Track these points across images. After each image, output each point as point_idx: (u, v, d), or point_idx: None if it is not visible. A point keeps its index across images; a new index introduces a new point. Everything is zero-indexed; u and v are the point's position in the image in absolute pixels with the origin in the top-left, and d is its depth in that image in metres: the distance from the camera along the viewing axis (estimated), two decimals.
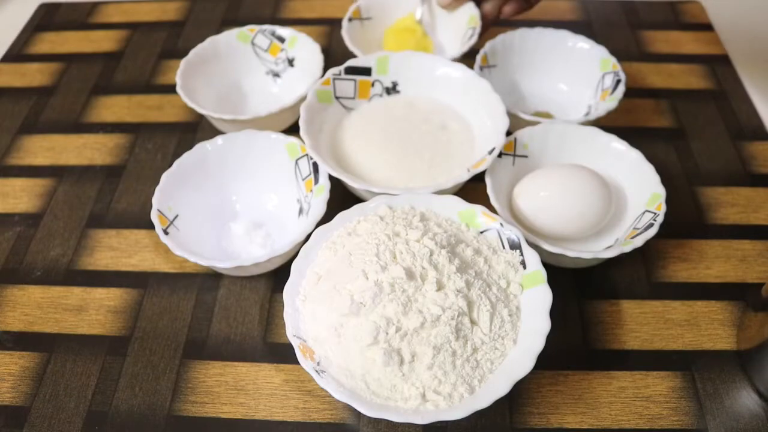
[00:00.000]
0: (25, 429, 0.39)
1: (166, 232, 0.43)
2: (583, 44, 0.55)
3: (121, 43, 0.66)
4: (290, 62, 0.57)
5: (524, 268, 0.39)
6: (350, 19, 0.58)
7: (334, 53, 0.63)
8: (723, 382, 0.40)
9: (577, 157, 0.47)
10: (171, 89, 0.55)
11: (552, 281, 0.38)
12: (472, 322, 0.36)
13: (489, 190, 0.44)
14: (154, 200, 0.44)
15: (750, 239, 0.47)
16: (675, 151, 0.53)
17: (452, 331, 0.35)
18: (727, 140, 0.54)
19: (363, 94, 0.52)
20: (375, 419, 0.38)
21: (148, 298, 0.45)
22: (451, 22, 0.59)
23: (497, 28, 0.58)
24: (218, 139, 0.48)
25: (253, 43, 0.57)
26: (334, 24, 0.65)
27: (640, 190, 0.45)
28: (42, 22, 0.69)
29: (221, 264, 0.41)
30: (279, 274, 0.45)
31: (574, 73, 0.56)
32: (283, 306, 0.38)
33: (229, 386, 0.40)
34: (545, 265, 0.39)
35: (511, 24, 0.60)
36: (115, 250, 0.48)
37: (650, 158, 0.46)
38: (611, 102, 0.50)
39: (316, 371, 0.35)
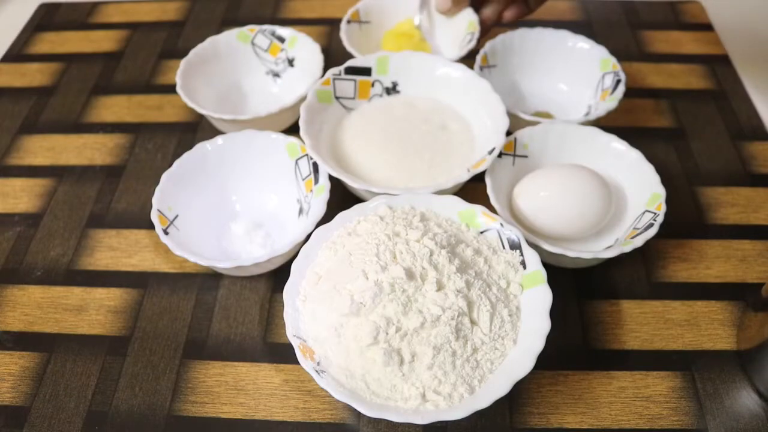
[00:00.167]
0: (25, 429, 0.39)
1: (166, 232, 0.43)
2: (583, 44, 0.55)
3: (121, 43, 0.66)
4: (290, 62, 0.57)
5: (524, 268, 0.39)
6: (349, 21, 0.58)
7: (334, 53, 0.63)
8: (723, 382, 0.40)
9: (577, 157, 0.47)
10: (171, 89, 0.55)
11: (552, 281, 0.38)
12: (472, 322, 0.36)
13: (489, 190, 0.44)
14: (154, 200, 0.44)
15: (750, 239, 0.47)
16: (675, 151, 0.53)
17: (452, 331, 0.35)
18: (727, 140, 0.54)
19: (363, 94, 0.52)
20: (375, 419, 0.38)
21: (148, 298, 0.45)
22: (450, 27, 0.59)
23: (497, 28, 0.58)
24: (218, 139, 0.48)
25: (253, 43, 0.57)
26: (334, 24, 0.64)
27: (640, 190, 0.45)
28: (42, 22, 0.69)
29: (221, 264, 0.41)
30: (279, 274, 0.45)
31: (574, 73, 0.56)
32: (283, 306, 0.38)
33: (229, 386, 0.40)
34: (545, 265, 0.39)
35: (511, 24, 0.60)
36: (115, 250, 0.48)
37: (650, 158, 0.46)
38: (611, 102, 0.50)
39: (316, 371, 0.35)
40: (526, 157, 0.47)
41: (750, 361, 0.40)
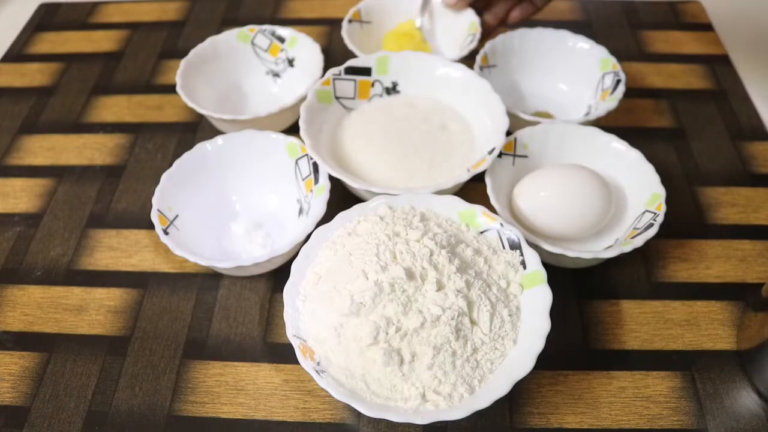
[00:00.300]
0: (25, 429, 0.39)
1: (166, 232, 0.43)
2: (583, 44, 0.55)
3: (121, 43, 0.66)
4: (290, 62, 0.57)
5: (524, 268, 0.39)
6: (350, 21, 0.58)
7: (334, 53, 0.63)
8: (723, 382, 0.40)
9: (577, 157, 0.47)
10: (171, 89, 0.55)
11: (552, 281, 0.38)
12: (472, 322, 0.36)
13: (489, 190, 0.44)
14: (154, 200, 0.44)
15: (750, 239, 0.47)
16: (675, 151, 0.53)
17: (452, 331, 0.35)
18: (727, 140, 0.54)
19: (363, 94, 0.52)
20: (375, 419, 0.38)
21: (148, 298, 0.45)
22: (451, 28, 0.59)
23: (497, 28, 0.58)
24: (218, 139, 0.48)
25: (253, 43, 0.57)
26: (334, 24, 0.65)
27: (640, 190, 0.45)
28: (42, 22, 0.69)
29: (221, 264, 0.41)
30: (279, 274, 0.45)
31: (574, 73, 0.56)
32: (283, 306, 0.38)
33: (229, 386, 0.40)
34: (545, 265, 0.39)
35: (517, 24, 0.60)
36: (115, 250, 0.48)
37: (650, 158, 0.46)
38: (611, 102, 0.50)
39: (316, 371, 0.35)
40: (526, 157, 0.47)
41: (750, 361, 0.40)
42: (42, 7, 0.71)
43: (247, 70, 0.58)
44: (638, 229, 0.43)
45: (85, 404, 0.40)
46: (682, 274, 0.45)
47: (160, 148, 0.55)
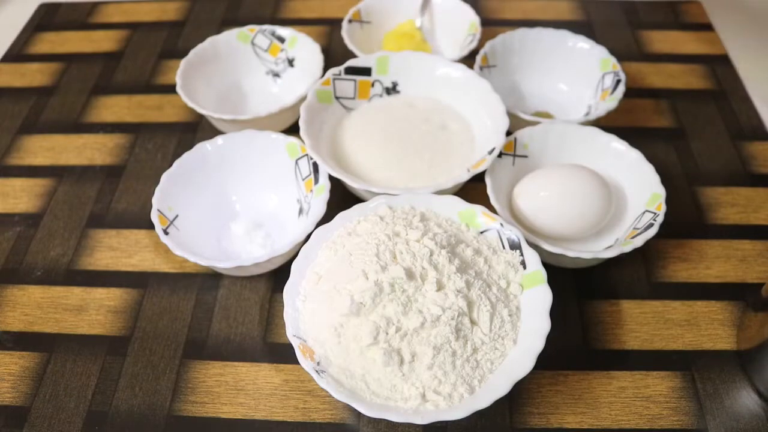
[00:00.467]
0: (25, 429, 0.39)
1: (166, 232, 0.43)
2: (583, 44, 0.55)
3: (121, 43, 0.66)
4: (290, 62, 0.57)
5: (524, 268, 0.39)
6: (350, 21, 0.58)
7: (334, 53, 0.63)
8: (723, 382, 0.40)
9: (577, 157, 0.47)
10: (171, 89, 0.55)
11: (552, 281, 0.38)
12: (472, 322, 0.36)
13: (489, 190, 0.44)
14: (154, 200, 0.44)
15: (750, 239, 0.47)
16: (675, 151, 0.53)
17: (452, 331, 0.35)
18: (727, 140, 0.54)
19: (363, 94, 0.52)
20: (375, 419, 0.38)
21: (148, 298, 0.45)
22: (451, 28, 0.59)
23: (497, 28, 0.58)
24: (218, 139, 0.48)
25: (253, 43, 0.57)
26: (334, 24, 0.65)
27: (640, 190, 0.45)
28: (42, 22, 0.69)
29: (221, 264, 0.41)
30: (279, 274, 0.45)
31: (574, 73, 0.56)
32: (283, 306, 0.38)
33: (229, 386, 0.40)
34: (545, 265, 0.39)
35: (511, 24, 0.60)
36: (115, 250, 0.48)
37: (650, 158, 0.46)
38: (611, 102, 0.50)
39: (316, 371, 0.35)
40: (526, 157, 0.47)
41: (750, 361, 0.40)
42: (42, 7, 0.71)
43: (247, 70, 0.58)
44: (638, 229, 0.43)
45: (85, 404, 0.40)
46: (682, 274, 0.45)
47: (160, 148, 0.55)
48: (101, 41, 0.66)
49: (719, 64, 0.61)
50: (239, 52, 0.57)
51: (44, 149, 0.56)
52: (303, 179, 0.47)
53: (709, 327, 0.42)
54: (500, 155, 0.46)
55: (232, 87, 0.57)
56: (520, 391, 0.39)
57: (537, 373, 0.38)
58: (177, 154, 0.49)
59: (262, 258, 0.41)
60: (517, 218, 0.45)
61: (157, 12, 0.70)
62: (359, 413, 0.37)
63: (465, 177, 0.44)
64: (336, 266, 0.38)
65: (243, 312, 0.44)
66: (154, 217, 0.43)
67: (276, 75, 0.58)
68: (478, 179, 0.45)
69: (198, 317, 0.44)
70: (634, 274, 0.45)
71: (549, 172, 0.45)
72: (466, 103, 0.50)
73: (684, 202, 0.50)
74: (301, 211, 0.47)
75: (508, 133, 0.47)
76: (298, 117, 0.47)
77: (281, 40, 0.57)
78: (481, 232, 0.41)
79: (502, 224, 0.41)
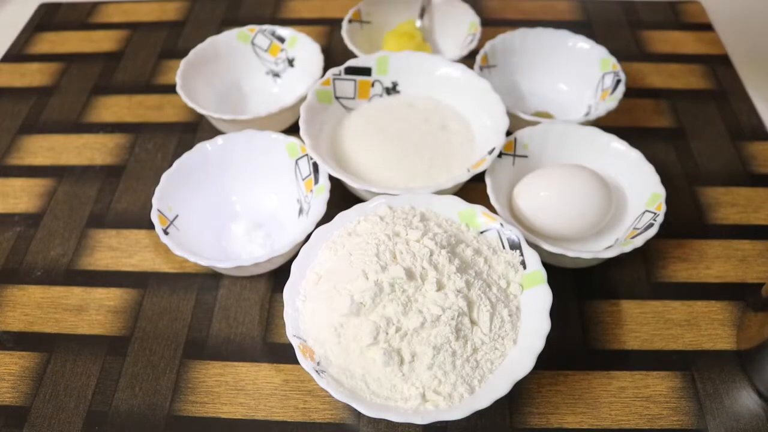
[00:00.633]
0: (25, 429, 0.39)
1: (166, 232, 0.43)
2: (583, 44, 0.55)
3: (121, 43, 0.66)
4: (290, 62, 0.57)
5: (524, 268, 0.39)
6: (350, 21, 0.58)
7: (334, 53, 0.63)
8: (723, 382, 0.40)
9: (577, 157, 0.47)
10: (171, 89, 0.55)
11: (552, 281, 0.38)
12: (472, 322, 0.36)
13: (489, 190, 0.44)
14: (154, 200, 0.44)
15: (750, 239, 0.47)
16: (675, 151, 0.53)
17: (452, 331, 0.35)
18: (727, 140, 0.54)
19: (363, 94, 0.52)
20: (375, 419, 0.38)
21: (148, 298, 0.45)
22: (451, 28, 0.59)
23: (497, 28, 0.58)
24: (218, 139, 0.48)
25: (253, 43, 0.57)
26: (334, 24, 0.65)
27: (640, 190, 0.45)
28: (42, 22, 0.69)
29: (221, 264, 0.41)
30: (279, 274, 0.45)
31: (574, 73, 0.56)
32: (283, 306, 0.38)
33: (229, 386, 0.40)
34: (545, 265, 0.39)
35: (511, 24, 0.60)
36: (115, 250, 0.48)
37: (650, 158, 0.46)
38: (611, 102, 0.50)
39: (316, 371, 0.35)
40: (526, 157, 0.47)
41: (750, 361, 0.40)
42: (42, 7, 0.71)
43: (247, 70, 0.58)
44: (638, 229, 0.43)
45: (85, 404, 0.40)
46: (682, 274, 0.45)
47: (160, 148, 0.55)
48: (101, 41, 0.66)
49: (719, 64, 0.61)
50: (239, 52, 0.57)
51: (44, 149, 0.56)
52: (303, 179, 0.47)
53: (709, 327, 0.42)
54: (500, 155, 0.46)
55: (232, 87, 0.57)
56: (520, 391, 0.39)
57: (537, 373, 0.38)
58: (177, 154, 0.49)
59: (262, 258, 0.41)
60: (517, 218, 0.45)
61: (157, 12, 0.70)
62: (359, 413, 0.37)
63: (465, 177, 0.44)
64: (336, 266, 0.38)
65: (243, 312, 0.44)
66: (154, 217, 0.43)
67: (276, 75, 0.58)
68: (478, 179, 0.45)
69: (198, 317, 0.44)
70: (634, 274, 0.45)
71: (549, 172, 0.45)
72: (466, 103, 0.50)
73: (684, 202, 0.50)
74: (301, 211, 0.47)
75: (508, 133, 0.47)
76: (298, 117, 0.47)
77: (281, 40, 0.57)
78: (481, 232, 0.41)
79: (502, 224, 0.41)
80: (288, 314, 0.37)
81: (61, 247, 0.48)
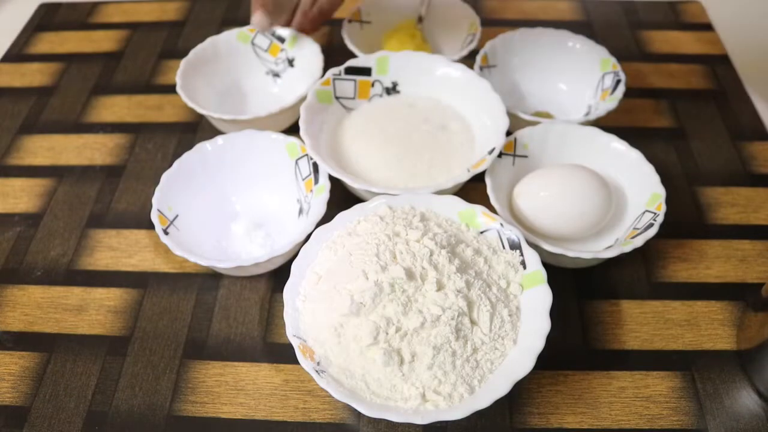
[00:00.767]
0: (25, 429, 0.39)
1: (166, 232, 0.43)
2: (583, 44, 0.55)
3: (121, 43, 0.66)
4: (290, 62, 0.57)
5: (524, 268, 0.39)
6: (350, 21, 0.58)
7: (334, 53, 0.63)
8: (723, 382, 0.40)
9: (577, 157, 0.47)
10: (171, 89, 0.55)
11: (552, 281, 0.38)
12: (472, 322, 0.36)
13: (489, 190, 0.44)
14: (154, 200, 0.44)
15: (750, 239, 0.47)
16: (675, 151, 0.53)
17: (452, 331, 0.35)
18: (727, 140, 0.54)
19: (363, 94, 0.52)
20: (375, 419, 0.38)
21: (148, 298, 0.45)
22: (451, 28, 0.59)
23: (497, 28, 0.58)
24: (218, 139, 0.48)
25: (253, 43, 0.57)
26: (335, 24, 0.64)
27: (640, 190, 0.45)
28: (42, 22, 0.69)
29: (221, 264, 0.41)
30: (279, 274, 0.45)
31: (574, 73, 0.56)
32: (283, 306, 0.38)
33: (229, 386, 0.40)
34: (545, 265, 0.39)
35: (511, 24, 0.60)
36: (115, 250, 0.48)
37: (650, 158, 0.46)
38: (611, 102, 0.50)
39: (316, 371, 0.35)
40: (526, 157, 0.47)
41: (750, 361, 0.40)
42: (42, 7, 0.71)
43: (248, 70, 0.58)
44: (638, 229, 0.43)
45: (85, 404, 0.40)
46: (682, 274, 0.45)
47: (160, 148, 0.55)
48: (101, 41, 0.66)
49: (719, 64, 0.61)
50: (239, 52, 0.57)
51: (44, 149, 0.56)
52: (303, 179, 0.47)
53: (709, 327, 0.42)
54: (500, 155, 0.46)
55: (232, 87, 0.57)
56: (520, 391, 0.39)
57: (537, 373, 0.38)
58: (177, 154, 0.49)
59: (262, 258, 0.41)
60: (517, 218, 0.45)
61: (157, 12, 0.70)
62: (359, 413, 0.37)
63: (465, 177, 0.44)
64: (336, 266, 0.38)
65: (243, 312, 0.44)
66: (154, 217, 0.43)
67: (276, 75, 0.58)
68: (478, 179, 0.45)
69: (198, 317, 0.44)
70: (634, 274, 0.45)
71: (549, 172, 0.45)
72: (466, 103, 0.50)
73: (684, 202, 0.50)
74: (301, 211, 0.47)
75: (508, 133, 0.47)
76: (298, 117, 0.47)
77: (281, 40, 0.57)
78: (481, 232, 0.41)
79: (502, 224, 0.41)
80: (288, 314, 0.37)
81: (61, 247, 0.48)
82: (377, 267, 0.36)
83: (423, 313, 0.35)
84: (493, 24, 0.63)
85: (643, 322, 0.43)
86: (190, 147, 0.48)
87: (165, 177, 0.46)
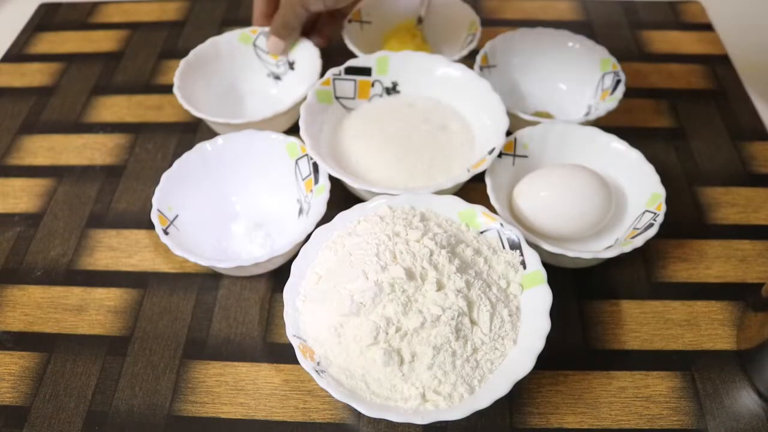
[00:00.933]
0: (25, 429, 0.39)
1: (166, 232, 0.43)
2: (583, 44, 0.55)
3: (121, 43, 0.66)
4: (291, 65, 0.57)
5: (524, 268, 0.39)
6: (350, 21, 0.58)
7: (334, 53, 0.63)
8: (723, 382, 0.40)
9: (577, 157, 0.47)
10: (171, 89, 0.55)
11: (552, 281, 0.38)
12: (472, 322, 0.36)
13: (489, 190, 0.44)
14: (154, 200, 0.44)
15: (750, 239, 0.47)
16: (675, 151, 0.53)
17: (452, 331, 0.35)
18: (727, 140, 0.54)
19: (363, 94, 0.52)
20: (375, 419, 0.38)
21: (148, 298, 0.45)
22: (451, 28, 0.59)
23: (497, 28, 0.58)
24: (218, 139, 0.48)
25: (255, 45, 0.57)
26: None
27: (640, 190, 0.45)
28: (42, 22, 0.69)
29: (221, 264, 0.41)
30: (279, 274, 0.45)
31: (574, 73, 0.56)
32: (283, 306, 0.38)
33: (229, 386, 0.40)
34: (545, 265, 0.39)
35: (511, 24, 0.60)
36: (115, 250, 0.48)
37: (650, 158, 0.46)
38: (611, 102, 0.50)
39: (316, 371, 0.35)
40: (526, 157, 0.47)
41: (750, 361, 0.40)
42: (42, 7, 0.71)
43: (248, 72, 0.58)
44: (638, 229, 0.43)
45: (85, 404, 0.40)
46: (682, 274, 0.45)
47: (160, 148, 0.55)
48: (101, 41, 0.66)
49: (719, 64, 0.61)
50: (240, 53, 0.57)
51: (44, 149, 0.56)
52: (303, 179, 0.47)
53: (709, 327, 0.42)
54: (500, 155, 0.46)
55: (231, 88, 0.57)
56: (520, 391, 0.39)
57: (537, 373, 0.38)
58: (177, 154, 0.49)
59: (262, 258, 0.41)
60: (517, 218, 0.45)
61: (157, 12, 0.70)
62: (359, 413, 0.37)
63: (465, 177, 0.44)
64: (336, 266, 0.38)
65: (243, 312, 0.44)
66: (154, 217, 0.43)
67: (277, 77, 0.58)
68: (478, 179, 0.45)
69: (198, 317, 0.44)
70: (634, 274, 0.45)
71: (549, 172, 0.45)
72: (466, 103, 0.50)
73: (684, 202, 0.50)
74: (301, 211, 0.47)
75: (508, 133, 0.47)
76: (296, 120, 0.47)
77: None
78: (481, 232, 0.41)
79: (502, 224, 0.41)
80: (288, 314, 0.37)
81: (61, 247, 0.48)
82: (377, 267, 0.36)
83: (423, 313, 0.35)
84: (493, 24, 0.63)
85: (643, 322, 0.43)
86: (189, 147, 0.48)
87: (165, 177, 0.46)
